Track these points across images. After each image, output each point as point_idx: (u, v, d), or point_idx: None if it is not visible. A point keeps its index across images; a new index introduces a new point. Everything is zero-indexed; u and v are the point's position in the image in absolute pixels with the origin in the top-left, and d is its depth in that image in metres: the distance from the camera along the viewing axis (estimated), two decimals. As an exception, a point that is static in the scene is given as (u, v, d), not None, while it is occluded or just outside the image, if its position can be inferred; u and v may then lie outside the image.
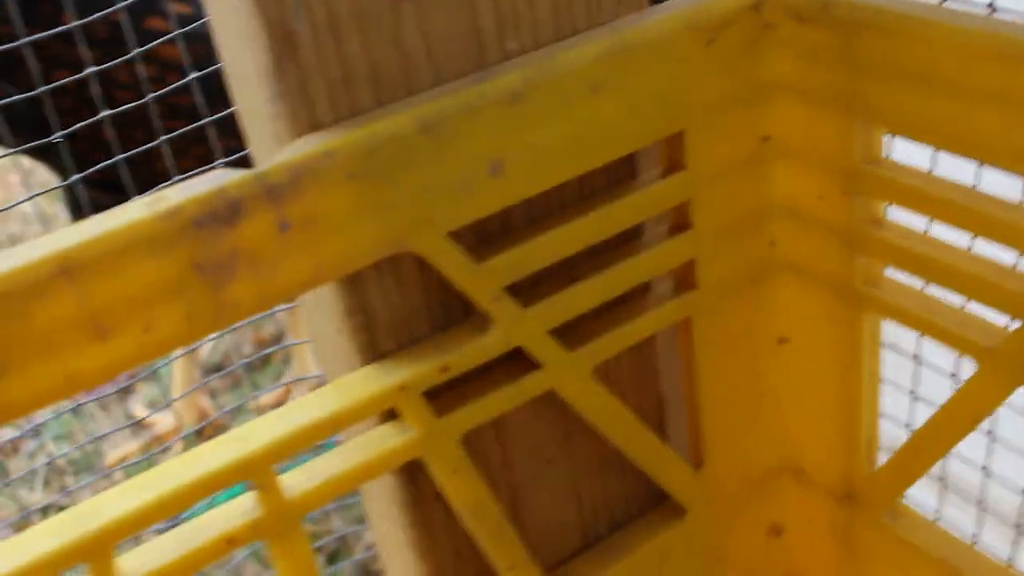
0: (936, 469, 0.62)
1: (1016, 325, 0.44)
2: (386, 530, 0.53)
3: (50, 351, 0.34)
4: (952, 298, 0.49)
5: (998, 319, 0.46)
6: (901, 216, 0.50)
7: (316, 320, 0.47)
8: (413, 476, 0.48)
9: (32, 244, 0.34)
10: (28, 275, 0.33)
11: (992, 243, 0.44)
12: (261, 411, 1.63)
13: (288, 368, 1.76)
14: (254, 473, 0.40)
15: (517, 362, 0.47)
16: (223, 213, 0.35)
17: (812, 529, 0.60)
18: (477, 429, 0.47)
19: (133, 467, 1.24)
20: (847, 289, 0.51)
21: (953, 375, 0.63)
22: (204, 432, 1.49)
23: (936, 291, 0.50)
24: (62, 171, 1.28)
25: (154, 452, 0.94)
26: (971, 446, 0.55)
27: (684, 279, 0.51)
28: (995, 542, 0.59)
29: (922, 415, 0.54)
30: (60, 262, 0.33)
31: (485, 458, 0.50)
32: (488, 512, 0.48)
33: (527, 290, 0.46)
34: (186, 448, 1.56)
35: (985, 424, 0.64)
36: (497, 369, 0.46)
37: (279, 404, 1.61)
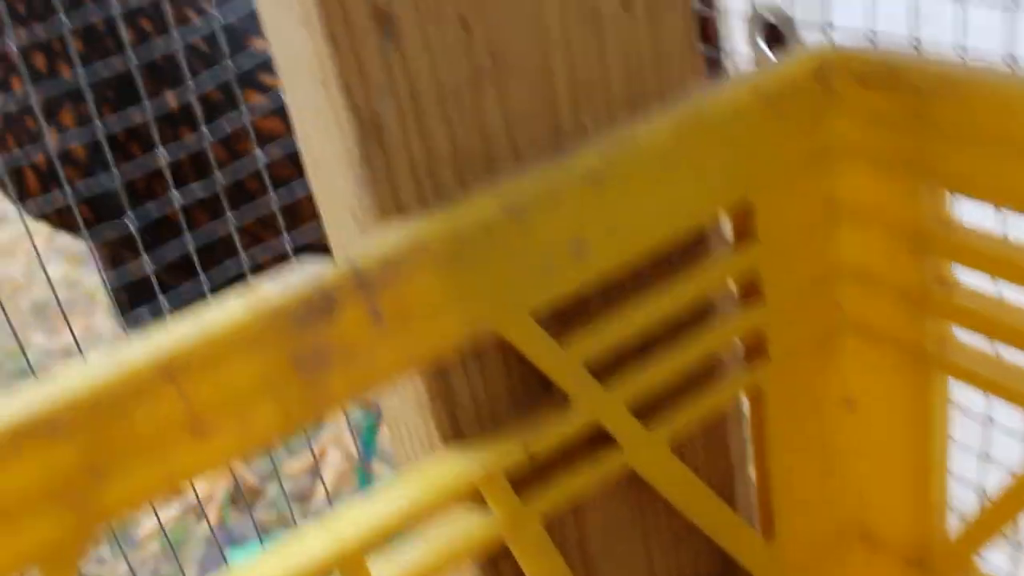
0: (1008, 530, 0.61)
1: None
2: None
3: (151, 452, 0.34)
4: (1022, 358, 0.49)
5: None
6: (967, 276, 0.49)
7: (393, 403, 0.46)
8: (493, 560, 0.47)
9: (131, 346, 0.33)
10: (131, 379, 0.32)
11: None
12: (294, 476, 1.62)
13: (320, 429, 1.75)
14: (347, 565, 0.40)
15: (597, 441, 0.46)
16: (320, 307, 0.35)
17: (884, 594, 0.60)
18: (557, 514, 0.46)
19: (166, 535, 1.22)
20: (915, 350, 0.51)
21: None
22: (240, 500, 1.48)
23: (1006, 351, 0.49)
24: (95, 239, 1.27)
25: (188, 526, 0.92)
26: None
27: (754, 348, 0.51)
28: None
29: (993, 476, 0.54)
30: (162, 365, 0.33)
31: (562, 538, 0.49)
32: (569, 591, 0.48)
33: (603, 367, 0.46)
34: (221, 514, 1.54)
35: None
36: (577, 449, 0.46)
37: (312, 467, 1.60)
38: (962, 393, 0.55)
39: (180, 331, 0.34)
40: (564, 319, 0.44)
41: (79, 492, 0.33)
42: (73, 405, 0.32)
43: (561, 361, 0.43)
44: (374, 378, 0.37)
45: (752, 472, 0.55)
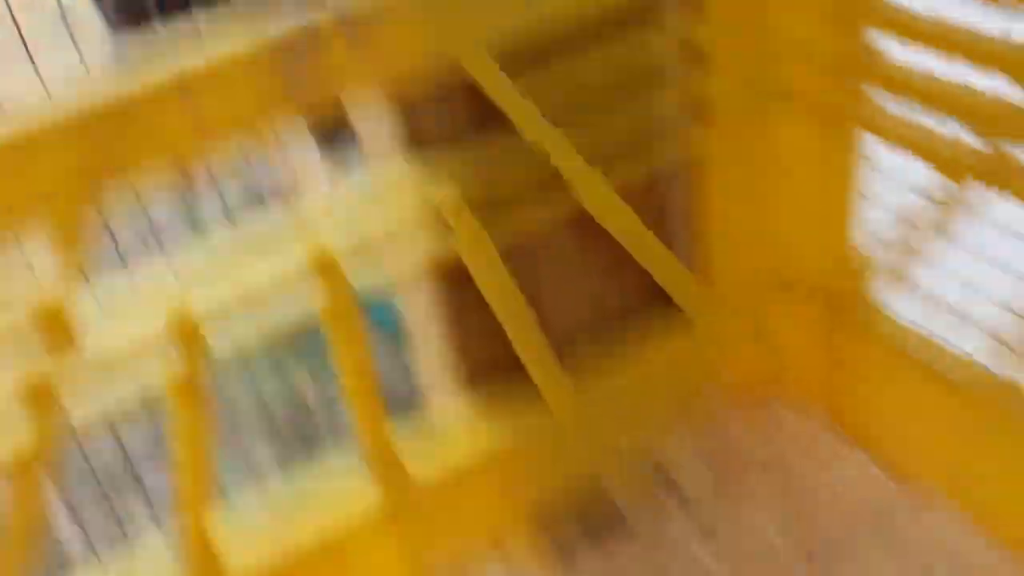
0: (921, 284, 0.68)
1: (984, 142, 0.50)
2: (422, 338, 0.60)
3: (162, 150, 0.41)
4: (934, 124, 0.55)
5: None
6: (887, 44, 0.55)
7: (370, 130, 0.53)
8: (450, 283, 0.55)
9: (153, 68, 0.40)
10: (152, 93, 0.39)
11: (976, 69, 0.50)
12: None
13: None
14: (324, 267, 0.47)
15: (551, 183, 0.53)
16: (308, 41, 0.41)
17: (801, 336, 0.67)
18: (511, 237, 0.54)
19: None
20: (837, 111, 0.57)
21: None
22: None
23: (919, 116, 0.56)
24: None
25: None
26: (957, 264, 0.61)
27: (699, 114, 0.57)
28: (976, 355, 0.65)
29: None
30: (177, 82, 0.40)
31: (515, 266, 0.56)
32: (516, 311, 0.55)
33: (561, 115, 0.52)
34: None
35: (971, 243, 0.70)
36: (532, 188, 0.53)
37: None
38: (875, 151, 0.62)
39: (191, 54, 0.40)
40: (519, 61, 0.50)
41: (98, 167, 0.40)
42: (93, 113, 0.39)
43: (518, 100, 0.49)
44: (349, 87, 0.44)
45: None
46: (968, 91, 0.51)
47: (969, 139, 0.52)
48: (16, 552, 0.44)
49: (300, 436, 1.02)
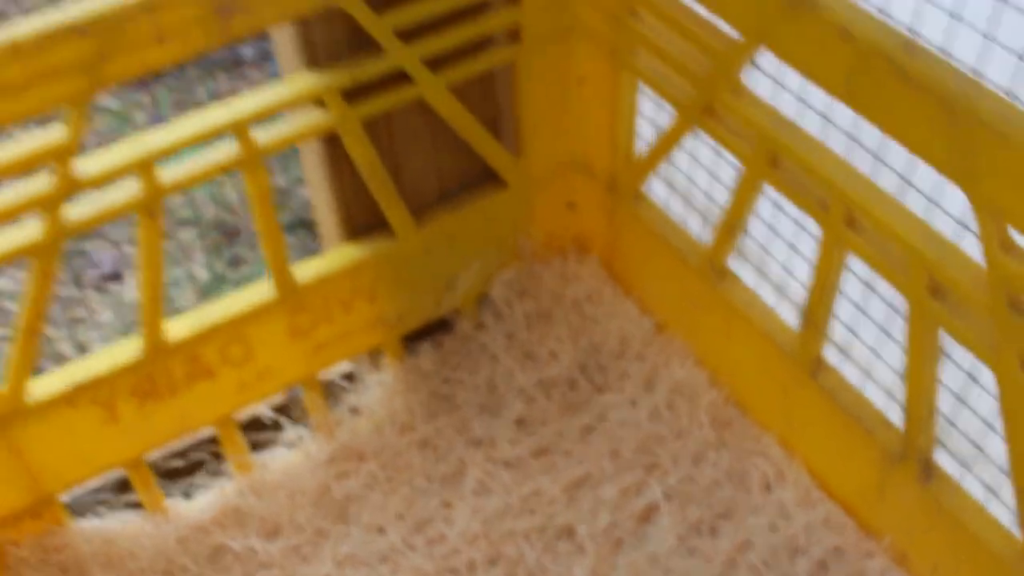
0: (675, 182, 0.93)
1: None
2: (315, 184, 0.84)
3: (132, 55, 0.64)
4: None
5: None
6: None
7: (281, 47, 0.76)
8: (332, 145, 0.78)
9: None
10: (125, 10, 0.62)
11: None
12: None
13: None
14: (237, 129, 0.71)
15: (402, 80, 0.76)
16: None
17: (592, 206, 0.92)
18: (374, 120, 0.77)
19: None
20: (614, 50, 0.81)
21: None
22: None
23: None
24: None
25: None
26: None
27: (514, 35, 0.81)
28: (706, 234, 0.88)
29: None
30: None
31: (377, 138, 0.80)
32: (377, 169, 0.79)
33: (409, 32, 0.75)
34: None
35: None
36: (388, 84, 0.76)
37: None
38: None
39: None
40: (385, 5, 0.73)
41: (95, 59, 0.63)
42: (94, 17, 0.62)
43: (380, 25, 0.72)
44: (267, 20, 0.67)
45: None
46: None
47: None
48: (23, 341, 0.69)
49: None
